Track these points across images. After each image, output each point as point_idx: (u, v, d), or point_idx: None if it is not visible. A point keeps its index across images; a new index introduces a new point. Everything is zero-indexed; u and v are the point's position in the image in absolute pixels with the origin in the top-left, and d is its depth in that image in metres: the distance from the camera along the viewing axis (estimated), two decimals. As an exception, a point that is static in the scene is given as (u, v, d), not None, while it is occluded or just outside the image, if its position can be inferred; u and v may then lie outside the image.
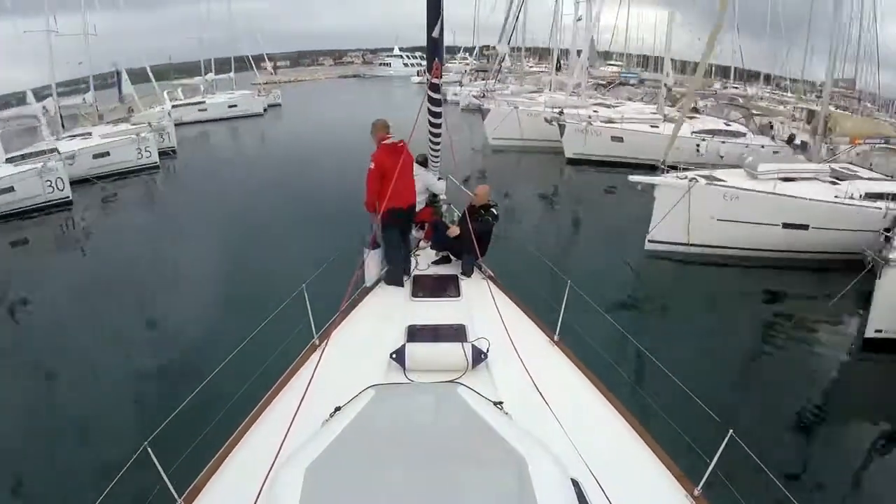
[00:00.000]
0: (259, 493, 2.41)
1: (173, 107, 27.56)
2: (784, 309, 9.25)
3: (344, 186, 13.47)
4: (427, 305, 4.86)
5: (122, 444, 3.49)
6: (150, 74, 26.58)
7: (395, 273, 5.28)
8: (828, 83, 14.05)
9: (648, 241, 10.79)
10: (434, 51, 5.18)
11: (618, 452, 3.14)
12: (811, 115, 21.12)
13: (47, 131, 18.06)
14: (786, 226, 10.35)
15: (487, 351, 3.80)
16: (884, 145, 14.11)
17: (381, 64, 75.62)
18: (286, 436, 2.77)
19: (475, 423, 2.34)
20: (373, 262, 5.23)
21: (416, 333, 4.14)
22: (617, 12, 36.36)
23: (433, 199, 6.48)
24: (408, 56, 72.18)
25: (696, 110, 20.19)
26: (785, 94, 30.27)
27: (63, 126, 19.49)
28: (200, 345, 7.20)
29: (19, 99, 20.27)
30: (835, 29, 13.72)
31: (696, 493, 2.84)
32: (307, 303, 4.21)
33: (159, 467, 2.67)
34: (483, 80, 31.70)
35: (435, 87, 5.44)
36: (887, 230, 8.49)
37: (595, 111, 20.68)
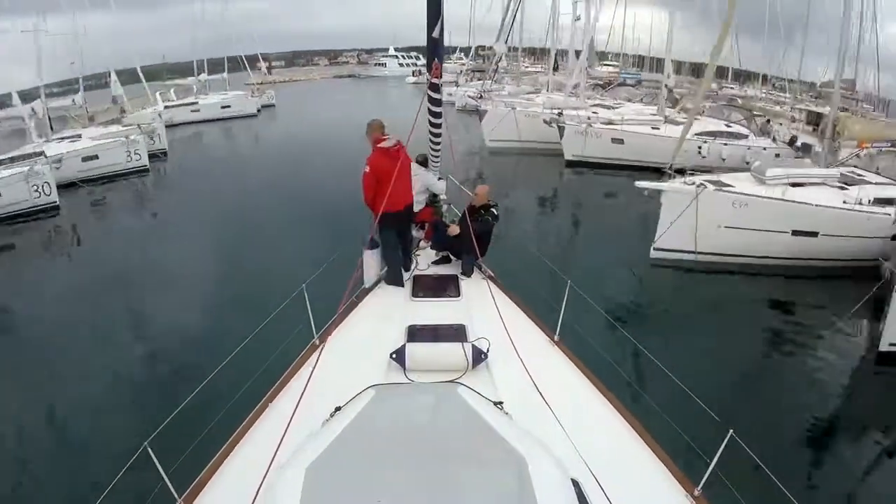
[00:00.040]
0: (259, 493, 2.41)
1: (165, 108, 27.33)
2: (793, 318, 8.93)
3: (339, 186, 13.47)
4: (427, 305, 4.85)
5: (122, 443, 3.47)
6: (141, 75, 26.26)
7: (394, 273, 5.27)
8: (836, 85, 13.78)
9: (654, 249, 10.44)
10: (434, 51, 5.18)
11: (618, 452, 3.14)
12: (811, 116, 21.19)
13: (35, 133, 17.69)
14: (795, 233, 10.11)
15: (487, 351, 3.80)
16: (891, 149, 13.95)
17: (376, 64, 75.78)
18: (286, 436, 2.77)
19: (475, 423, 2.35)
20: (371, 263, 5.23)
21: (416, 333, 4.13)
22: (613, 12, 36.40)
23: (433, 198, 6.47)
24: (403, 56, 72.38)
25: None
26: (781, 94, 30.38)
27: (52, 128, 19.10)
28: (200, 345, 7.19)
29: (3, 100, 19.90)
30: (844, 30, 13.46)
31: (696, 493, 2.84)
32: (307, 303, 4.21)
33: (159, 467, 2.66)
34: (479, 80, 31.51)
35: (435, 87, 5.44)
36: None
37: (594, 112, 20.49)
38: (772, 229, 10.17)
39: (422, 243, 6.27)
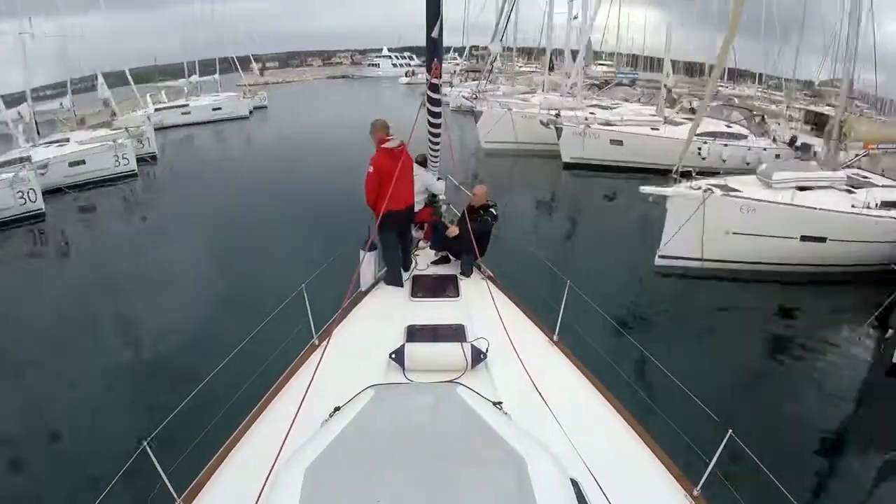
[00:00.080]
0: (259, 493, 2.41)
1: (156, 110, 26.88)
2: (800, 324, 8.68)
3: (333, 187, 13.42)
4: (426, 305, 4.86)
5: (122, 443, 3.47)
6: (129, 77, 25.77)
7: (393, 273, 5.27)
8: (844, 85, 13.53)
9: (659, 256, 10.06)
10: (433, 51, 5.17)
11: (617, 452, 3.15)
12: (809, 115, 21.16)
13: (22, 138, 17.24)
14: (804, 238, 9.78)
15: (487, 351, 3.80)
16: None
17: (369, 65, 75.47)
18: (286, 436, 2.76)
19: (474, 423, 2.35)
20: (368, 265, 5.22)
21: (416, 333, 4.14)
22: (608, 12, 36.43)
23: (433, 199, 6.47)
24: (396, 56, 72.20)
25: (693, 112, 19.65)
26: (776, 92, 30.40)
27: (39, 132, 18.49)
28: (199, 346, 7.15)
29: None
30: (849, 29, 13.32)
31: (695, 493, 2.85)
32: (307, 303, 4.21)
33: (158, 467, 2.66)
34: (474, 80, 31.33)
35: (434, 87, 5.44)
36: None
37: (592, 113, 20.21)
38: (780, 235, 9.86)
39: (421, 243, 6.27)
